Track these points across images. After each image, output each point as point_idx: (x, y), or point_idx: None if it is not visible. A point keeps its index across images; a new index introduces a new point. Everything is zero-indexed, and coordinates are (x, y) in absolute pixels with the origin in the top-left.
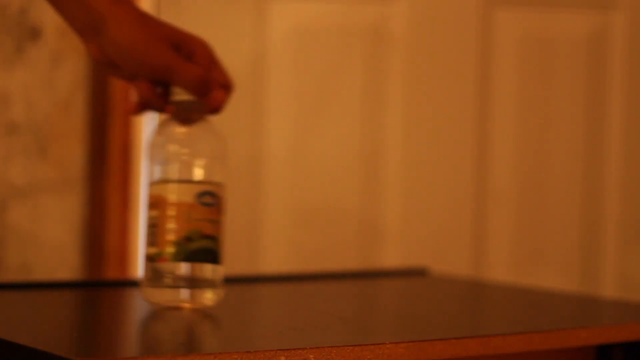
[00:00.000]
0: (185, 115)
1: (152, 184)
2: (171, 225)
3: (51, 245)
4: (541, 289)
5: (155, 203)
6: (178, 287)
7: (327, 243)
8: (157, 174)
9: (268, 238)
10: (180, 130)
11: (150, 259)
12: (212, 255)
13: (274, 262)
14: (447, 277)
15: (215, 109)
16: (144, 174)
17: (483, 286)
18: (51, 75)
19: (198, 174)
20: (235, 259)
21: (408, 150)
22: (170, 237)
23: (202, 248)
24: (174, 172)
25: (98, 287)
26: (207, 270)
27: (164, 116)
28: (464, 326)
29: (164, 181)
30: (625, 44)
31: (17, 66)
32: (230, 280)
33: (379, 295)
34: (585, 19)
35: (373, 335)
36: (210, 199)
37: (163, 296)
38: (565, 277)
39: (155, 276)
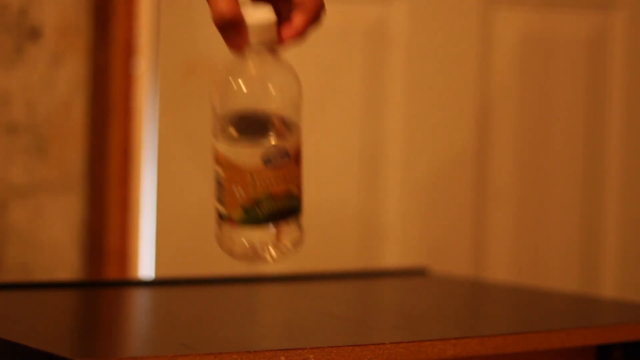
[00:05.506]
0: (258, 56)
1: (215, 136)
2: (236, 188)
3: (51, 245)
4: (541, 289)
5: (218, 160)
6: (247, 256)
7: (327, 243)
8: (220, 125)
9: None
10: (248, 74)
11: (220, 216)
12: (285, 215)
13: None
14: (447, 277)
15: (291, 37)
16: (146, 173)
17: (483, 286)
18: (51, 75)
19: (266, 128)
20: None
21: (408, 149)
22: (237, 200)
23: (273, 212)
24: (238, 126)
25: (98, 287)
26: (284, 232)
27: (233, 57)
28: (463, 326)
29: (227, 137)
30: (625, 44)
31: (17, 66)
32: (230, 281)
33: (379, 295)
34: (585, 19)
35: (373, 335)
36: (279, 159)
37: (236, 253)
38: (565, 277)
39: (225, 236)
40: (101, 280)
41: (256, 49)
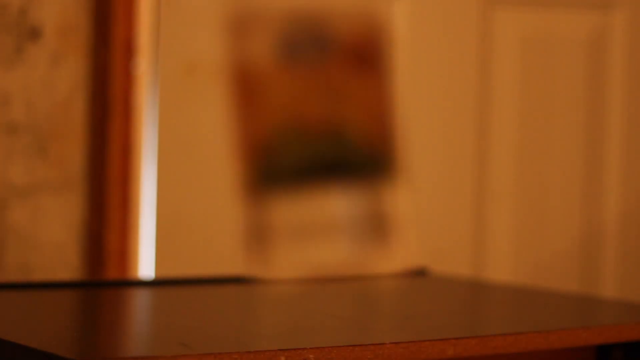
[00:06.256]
0: None
1: None
2: (239, 117)
3: (51, 245)
4: (541, 288)
5: None
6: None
7: None
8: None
9: None
10: None
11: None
12: (335, 169)
13: None
14: (447, 277)
15: None
16: (146, 173)
17: (483, 286)
18: (51, 75)
19: None
20: (236, 261)
21: (408, 149)
22: (241, 144)
23: (304, 163)
24: None
25: (98, 287)
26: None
27: None
28: (464, 326)
29: (232, 15)
30: (625, 43)
31: (17, 66)
32: (230, 281)
33: (379, 295)
34: (585, 19)
35: (373, 335)
36: (315, 47)
37: None
38: (565, 277)
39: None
40: (101, 280)
41: None
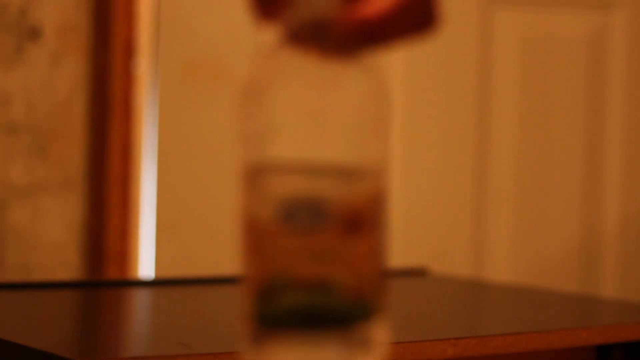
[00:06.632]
0: (313, 44)
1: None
2: (247, 259)
3: (51, 245)
4: (541, 288)
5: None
6: None
7: None
8: (245, 148)
9: None
10: (295, 71)
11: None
12: (317, 321)
13: None
14: (447, 277)
15: (366, 20)
16: (146, 173)
17: (483, 286)
18: (51, 75)
19: (304, 160)
20: (236, 261)
21: (408, 150)
22: (248, 284)
23: (294, 310)
24: (265, 150)
25: (98, 287)
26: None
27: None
28: (464, 326)
29: (245, 167)
30: (625, 43)
31: (17, 66)
32: (230, 281)
33: None
34: (585, 19)
35: None
36: (308, 219)
37: None
38: (565, 277)
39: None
40: (101, 280)
41: (302, 33)
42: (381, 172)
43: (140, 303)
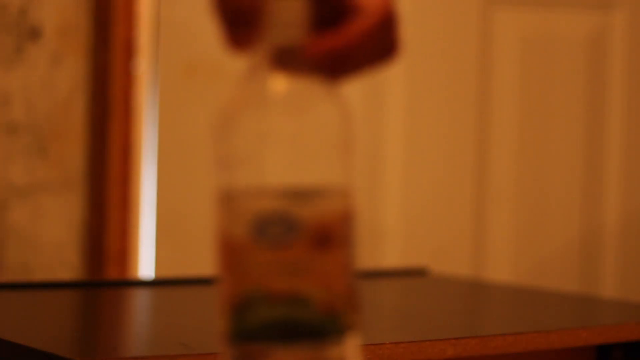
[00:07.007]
0: (285, 69)
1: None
2: (222, 277)
3: (51, 245)
4: (541, 288)
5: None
6: None
7: None
8: (220, 173)
9: None
10: (264, 98)
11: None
12: (290, 335)
13: None
14: (447, 277)
15: (332, 48)
16: (146, 173)
17: (483, 286)
18: (51, 75)
19: (278, 178)
20: None
21: (408, 150)
22: (223, 299)
23: (267, 324)
24: (237, 175)
25: (98, 287)
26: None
27: (250, 65)
28: (464, 326)
29: (219, 190)
30: (625, 43)
31: (17, 66)
32: None
33: (379, 295)
34: (585, 19)
35: (373, 335)
36: (280, 233)
37: None
38: (565, 277)
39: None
40: (101, 280)
41: (274, 57)
42: (349, 191)
43: (140, 303)
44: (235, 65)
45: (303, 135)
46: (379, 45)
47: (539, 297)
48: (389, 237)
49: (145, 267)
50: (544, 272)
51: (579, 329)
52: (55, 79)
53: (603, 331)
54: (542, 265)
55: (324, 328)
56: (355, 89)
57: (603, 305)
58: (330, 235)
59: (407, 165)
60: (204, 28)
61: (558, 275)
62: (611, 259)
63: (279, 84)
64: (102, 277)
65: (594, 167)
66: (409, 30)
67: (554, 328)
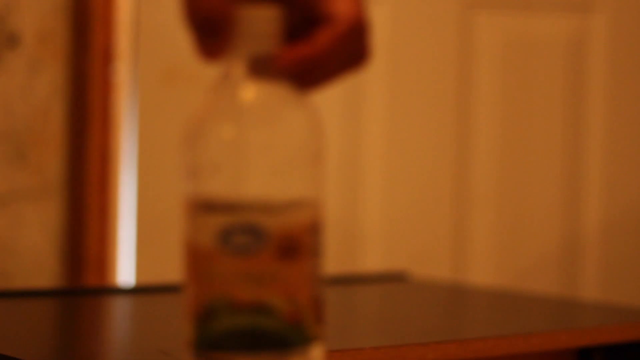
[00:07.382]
0: (255, 78)
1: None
2: (187, 285)
3: (30, 253)
4: (522, 292)
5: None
6: None
7: None
8: (187, 182)
9: None
10: (233, 108)
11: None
12: (254, 345)
13: None
14: (427, 281)
15: (304, 58)
16: (125, 179)
17: (463, 290)
18: (30, 81)
19: (245, 190)
20: None
21: (388, 153)
22: (188, 308)
23: (231, 333)
24: (204, 183)
25: (78, 294)
26: None
27: (219, 76)
28: (444, 330)
29: (187, 199)
30: (605, 47)
31: None
32: None
33: (358, 300)
34: (566, 22)
35: (352, 340)
36: (246, 242)
37: None
38: (546, 280)
39: None
40: (81, 288)
41: (245, 67)
42: (317, 202)
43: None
44: (215, 72)
45: (272, 145)
46: (350, 53)
47: (519, 300)
48: (369, 240)
49: (125, 273)
50: (525, 275)
51: (559, 332)
52: (33, 85)
53: (584, 334)
54: (523, 268)
55: (288, 338)
56: (336, 92)
57: (584, 308)
58: (297, 246)
59: (387, 168)
60: (184, 34)
61: (539, 277)
62: (592, 262)
63: (249, 93)
64: (81, 283)
65: (575, 171)
66: (389, 34)
67: (534, 331)
